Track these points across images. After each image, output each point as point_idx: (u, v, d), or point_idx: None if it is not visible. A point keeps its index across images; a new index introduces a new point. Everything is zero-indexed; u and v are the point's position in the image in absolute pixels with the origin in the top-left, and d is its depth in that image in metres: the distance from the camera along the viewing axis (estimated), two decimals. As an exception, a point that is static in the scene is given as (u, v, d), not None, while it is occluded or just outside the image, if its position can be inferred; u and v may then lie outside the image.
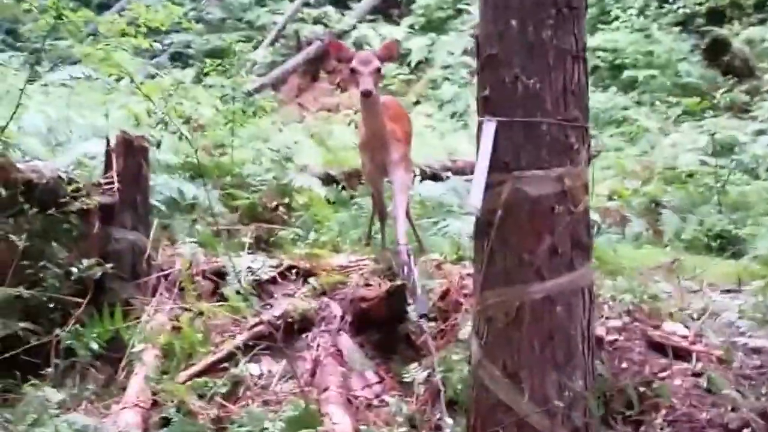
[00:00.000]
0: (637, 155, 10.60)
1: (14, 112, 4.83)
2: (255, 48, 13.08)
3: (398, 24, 15.35)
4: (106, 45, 5.27)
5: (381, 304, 4.62)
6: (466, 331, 4.33)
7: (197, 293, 5.06)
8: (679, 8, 13.63)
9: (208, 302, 5.06)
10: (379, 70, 4.96)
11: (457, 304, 4.64)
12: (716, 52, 12.71)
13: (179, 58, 14.32)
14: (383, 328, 4.68)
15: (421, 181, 7.58)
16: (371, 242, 6.00)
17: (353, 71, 4.94)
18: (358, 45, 14.46)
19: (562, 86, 3.23)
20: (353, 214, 6.78)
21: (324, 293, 5.13)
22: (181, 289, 5.10)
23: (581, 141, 3.28)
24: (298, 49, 14.77)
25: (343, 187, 7.55)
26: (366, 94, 4.87)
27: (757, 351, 4.35)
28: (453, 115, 12.95)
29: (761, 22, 13.06)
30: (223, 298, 5.09)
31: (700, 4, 13.42)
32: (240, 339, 4.68)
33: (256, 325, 4.74)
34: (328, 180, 7.50)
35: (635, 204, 8.12)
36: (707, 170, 9.08)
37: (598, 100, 12.33)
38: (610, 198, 8.22)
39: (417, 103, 13.52)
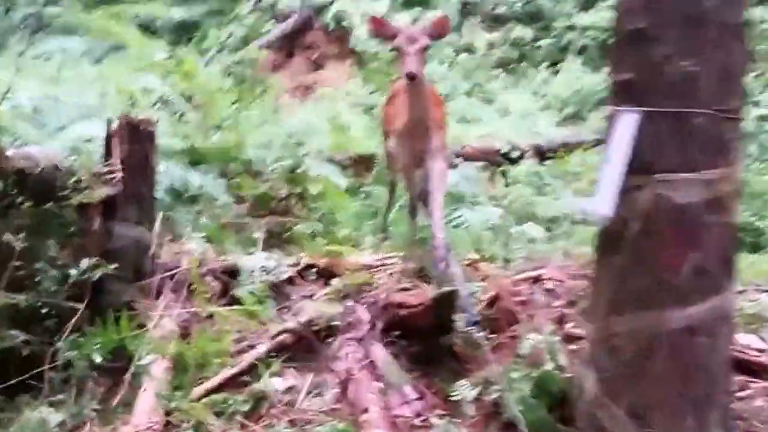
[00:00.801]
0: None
1: (7, 92, 4.24)
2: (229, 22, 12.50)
3: (390, -2, 14.72)
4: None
5: (426, 313, 4.09)
6: (527, 345, 3.86)
7: (208, 295, 4.55)
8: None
9: (218, 305, 4.56)
10: (426, 48, 4.44)
11: (510, 314, 4.13)
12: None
13: (145, 32, 13.57)
14: (424, 338, 4.18)
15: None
16: (388, 236, 5.50)
17: (397, 50, 4.42)
18: (338, 20, 13.94)
19: (722, 69, 2.71)
20: (365, 203, 6.25)
21: (348, 296, 4.62)
22: (190, 291, 4.58)
23: (737, 136, 2.77)
24: (274, 23, 14.14)
25: (351, 175, 6.99)
26: (411, 77, 4.35)
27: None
28: (439, 97, 12.40)
29: (761, 1, 12.64)
30: (236, 301, 4.60)
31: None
32: (261, 349, 4.19)
33: (280, 333, 4.25)
34: (329, 163, 6.88)
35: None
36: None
37: (588, 81, 11.97)
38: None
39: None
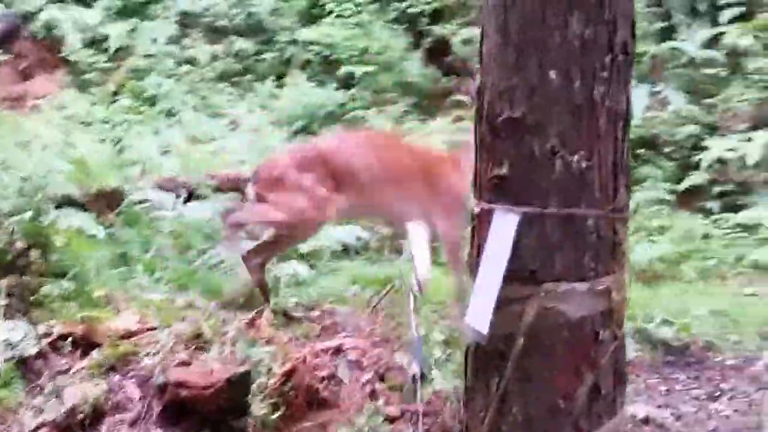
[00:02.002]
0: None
1: None
2: None
3: (91, 6, 13.79)
4: None
5: (217, 395, 3.55)
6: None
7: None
8: (400, 6, 13.29)
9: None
10: None
11: (310, 391, 3.63)
12: (438, 52, 12.56)
13: None
14: (213, 422, 3.63)
15: (184, 202, 6.45)
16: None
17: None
18: (48, 28, 12.94)
19: (612, 163, 2.35)
20: (117, 252, 5.45)
21: (113, 368, 3.97)
22: None
23: (626, 237, 2.43)
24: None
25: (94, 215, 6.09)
26: None
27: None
28: (162, 113, 11.69)
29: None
30: (-27, 386, 3.82)
31: (427, 3, 13.11)
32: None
33: (37, 428, 3.55)
34: (67, 205, 5.97)
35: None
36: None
37: (313, 96, 11.89)
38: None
39: (116, 93, 12.16)
